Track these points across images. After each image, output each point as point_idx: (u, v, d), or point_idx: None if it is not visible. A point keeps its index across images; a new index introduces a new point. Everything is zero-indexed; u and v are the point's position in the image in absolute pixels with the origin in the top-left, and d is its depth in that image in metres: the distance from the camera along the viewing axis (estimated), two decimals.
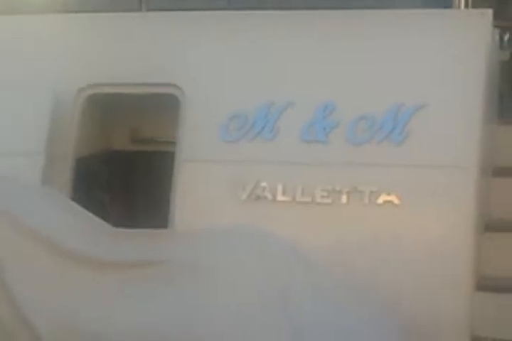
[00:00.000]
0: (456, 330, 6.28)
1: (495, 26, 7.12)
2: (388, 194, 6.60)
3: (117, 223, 6.73)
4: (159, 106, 7.28)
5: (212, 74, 7.17)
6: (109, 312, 5.73)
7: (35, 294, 5.80)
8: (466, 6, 7.46)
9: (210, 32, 7.34)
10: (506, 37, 7.71)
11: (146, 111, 7.58)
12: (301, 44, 7.20)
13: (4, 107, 7.39)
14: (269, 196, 6.78)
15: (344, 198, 6.66)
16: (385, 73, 6.91)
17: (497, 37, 7.27)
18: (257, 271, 6.08)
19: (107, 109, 7.48)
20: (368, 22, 7.20)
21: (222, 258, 6.09)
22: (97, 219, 6.62)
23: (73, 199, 7.00)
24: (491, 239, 6.57)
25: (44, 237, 6.16)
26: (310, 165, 6.81)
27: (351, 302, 6.05)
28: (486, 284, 6.40)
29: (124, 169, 7.66)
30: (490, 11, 7.06)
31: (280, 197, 6.76)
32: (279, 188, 6.76)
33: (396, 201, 6.58)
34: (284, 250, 6.32)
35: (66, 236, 6.23)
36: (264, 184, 6.78)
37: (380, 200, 6.60)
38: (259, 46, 7.22)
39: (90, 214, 6.65)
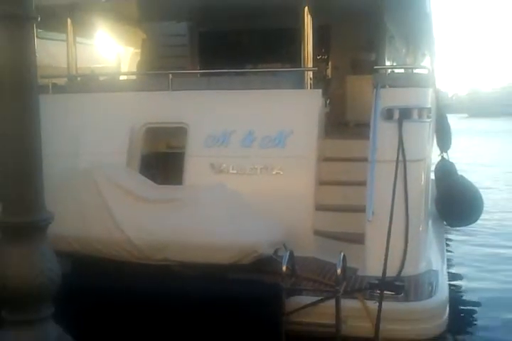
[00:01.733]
0: (307, 227, 6.37)
1: (322, 97, 7.17)
2: (278, 169, 6.62)
3: (159, 183, 6.69)
4: (178, 132, 7.16)
5: (201, 118, 7.08)
6: (156, 222, 5.71)
7: (125, 218, 5.76)
8: (310, 87, 7.44)
9: (200, 100, 7.27)
10: (328, 101, 7.62)
11: (172, 134, 7.42)
12: (240, 106, 7.13)
13: (110, 131, 7.26)
14: (226, 171, 6.74)
15: (258, 171, 6.66)
16: (276, 118, 6.90)
17: (323, 101, 7.22)
18: (220, 202, 6.14)
19: (155, 133, 7.38)
20: (265, 96, 7.17)
21: (205, 196, 6.10)
22: (150, 181, 6.60)
23: (140, 173, 6.99)
24: (322, 189, 6.61)
25: (127, 188, 6.13)
26: (243, 157, 6.77)
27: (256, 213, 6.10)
28: (321, 207, 6.50)
29: (163, 160, 7.54)
30: (320, 90, 7.18)
31: (231, 171, 6.73)
32: (230, 167, 6.73)
33: (281, 172, 6.61)
34: (231, 193, 6.37)
35: (136, 188, 6.20)
36: (224, 165, 6.75)
37: (274, 172, 6.62)
38: (223, 106, 7.13)
39: (147, 179, 6.66)
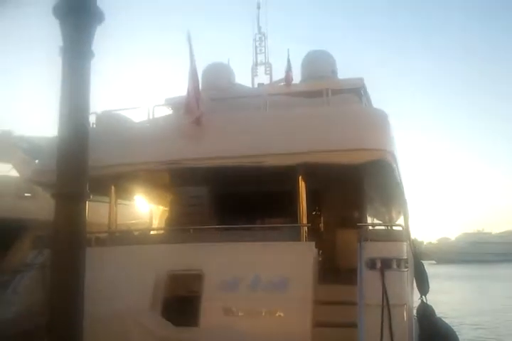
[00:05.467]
0: None
1: (316, 247, 7.06)
2: (280, 312, 6.32)
3: (178, 323, 6.38)
4: (196, 278, 6.92)
5: (215, 266, 6.95)
6: None
7: None
8: (305, 239, 7.42)
9: (215, 251, 7.16)
10: (320, 251, 7.42)
11: (191, 280, 7.06)
12: (248, 256, 7.00)
13: (138, 277, 7.05)
14: (235, 314, 6.40)
15: (263, 314, 6.32)
16: (277, 266, 6.75)
17: (317, 251, 7.08)
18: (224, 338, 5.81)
19: (176, 279, 7.14)
20: (269, 247, 7.08)
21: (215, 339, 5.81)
22: (168, 323, 6.31)
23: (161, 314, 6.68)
24: (318, 331, 6.18)
25: (149, 329, 5.90)
26: (252, 300, 6.51)
27: None
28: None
29: (182, 303, 6.95)
30: (313, 242, 7.10)
31: (239, 314, 6.41)
32: (239, 311, 6.43)
33: (282, 315, 6.30)
34: (238, 335, 6.02)
35: (156, 330, 5.96)
36: (234, 309, 6.44)
37: (277, 314, 6.31)
38: (233, 256, 7.04)
39: (166, 321, 6.36)
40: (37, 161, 9.93)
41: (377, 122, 7.85)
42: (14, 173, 11.46)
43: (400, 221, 11.49)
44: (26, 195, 10.50)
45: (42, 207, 8.51)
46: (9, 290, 7.28)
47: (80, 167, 3.39)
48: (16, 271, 7.52)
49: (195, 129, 8.12)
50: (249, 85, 13.53)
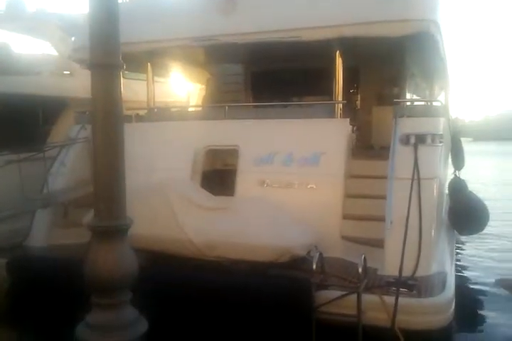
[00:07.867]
0: (335, 233, 6.24)
1: (350, 124, 7.02)
2: (312, 184, 6.50)
3: (216, 194, 6.68)
4: (232, 153, 7.15)
5: (250, 142, 7.07)
6: (211, 225, 5.76)
7: (187, 222, 5.83)
8: (340, 116, 7.35)
9: (250, 127, 7.25)
10: (355, 128, 7.34)
11: (227, 155, 7.37)
12: (282, 132, 7.06)
13: (178, 152, 7.32)
14: (270, 185, 6.66)
15: (296, 186, 6.55)
16: (311, 142, 6.79)
17: (351, 128, 7.03)
18: (263, 210, 6.12)
19: (213, 154, 7.41)
20: (303, 124, 7.01)
21: (251, 206, 6.14)
22: (208, 193, 6.63)
23: (201, 186, 7.02)
24: (349, 201, 6.45)
25: (190, 198, 6.19)
26: (284, 174, 6.68)
27: (293, 220, 6.03)
28: (347, 216, 6.36)
29: (219, 176, 7.44)
30: (348, 119, 7.04)
31: (273, 185, 6.64)
32: (273, 182, 6.66)
33: (315, 187, 6.49)
34: (272, 203, 6.32)
35: (197, 198, 6.25)
36: (268, 180, 6.68)
37: (308, 186, 6.51)
38: (268, 132, 7.12)
39: (205, 191, 6.69)
40: (73, 39, 9.70)
41: None
42: (53, 52, 11.31)
43: (441, 97, 11.08)
44: (65, 72, 10.48)
45: (81, 84, 8.54)
46: (57, 163, 7.66)
47: (111, 38, 3.26)
48: (62, 145, 7.83)
49: (228, 3, 7.62)
50: None
